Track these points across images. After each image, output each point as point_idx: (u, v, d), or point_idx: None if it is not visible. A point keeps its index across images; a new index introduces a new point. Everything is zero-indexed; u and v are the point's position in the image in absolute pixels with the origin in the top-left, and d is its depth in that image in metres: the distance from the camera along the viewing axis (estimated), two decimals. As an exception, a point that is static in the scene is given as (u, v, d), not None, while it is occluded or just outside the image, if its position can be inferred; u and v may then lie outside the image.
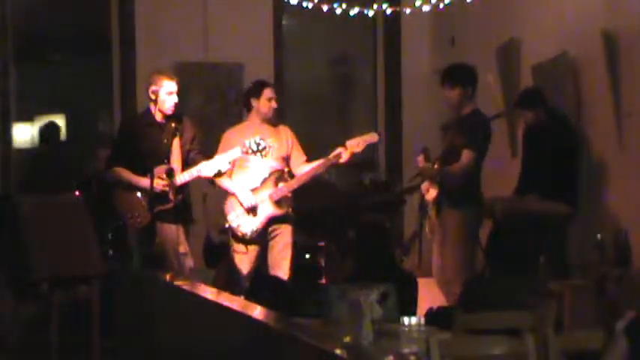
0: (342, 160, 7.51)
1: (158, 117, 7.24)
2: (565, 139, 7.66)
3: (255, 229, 7.48)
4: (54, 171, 9.34)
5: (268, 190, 7.51)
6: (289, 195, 7.58)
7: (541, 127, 7.72)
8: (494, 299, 4.52)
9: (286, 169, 7.61)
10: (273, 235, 7.55)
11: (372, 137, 7.59)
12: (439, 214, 7.28)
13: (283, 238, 7.55)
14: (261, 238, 7.52)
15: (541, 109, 7.66)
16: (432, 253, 8.12)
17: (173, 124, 7.22)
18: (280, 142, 7.57)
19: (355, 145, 7.51)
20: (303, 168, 7.61)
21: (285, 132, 7.69)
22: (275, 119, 7.71)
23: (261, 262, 7.58)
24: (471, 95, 7.38)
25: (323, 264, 8.57)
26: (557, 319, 4.37)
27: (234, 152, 7.20)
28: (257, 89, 7.63)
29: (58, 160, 9.54)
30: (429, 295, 6.53)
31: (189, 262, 7.32)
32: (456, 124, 7.42)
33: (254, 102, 7.59)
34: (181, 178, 7.16)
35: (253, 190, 7.50)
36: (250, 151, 7.16)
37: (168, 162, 7.14)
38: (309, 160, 7.67)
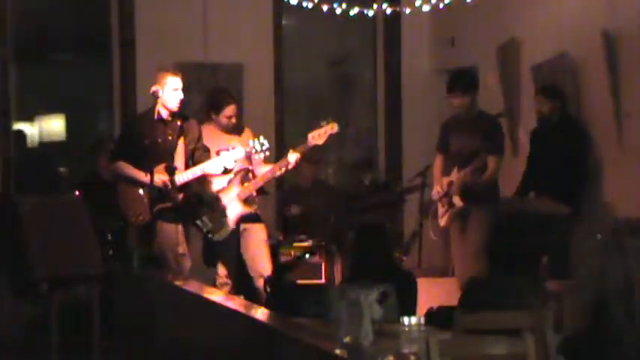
0: (290, 167, 7.49)
1: (164, 114, 7.24)
2: (577, 141, 7.70)
3: (227, 229, 7.50)
4: (53, 171, 9.35)
5: (235, 190, 7.52)
6: (255, 194, 7.60)
7: (553, 125, 7.77)
8: (494, 299, 4.51)
9: (251, 168, 7.62)
10: (245, 234, 7.55)
11: (332, 128, 7.58)
12: (462, 219, 7.37)
13: (257, 237, 7.55)
14: (233, 237, 7.53)
15: (559, 104, 7.76)
16: (431, 254, 8.14)
17: (179, 122, 7.24)
18: (244, 144, 7.51)
19: (317, 137, 7.51)
20: (262, 169, 7.63)
21: (247, 134, 7.67)
22: (238, 124, 7.69)
23: (240, 261, 7.60)
24: (477, 97, 7.57)
25: (323, 264, 8.58)
26: (557, 319, 4.36)
27: (238, 152, 7.22)
28: (217, 106, 7.58)
29: (57, 161, 9.55)
30: (429, 295, 6.52)
31: (187, 263, 7.32)
32: (466, 127, 7.49)
33: (213, 115, 7.57)
34: (183, 176, 7.16)
35: (220, 191, 7.50)
36: (254, 150, 7.19)
37: (172, 160, 7.16)
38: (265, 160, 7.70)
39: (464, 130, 7.55)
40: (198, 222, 7.52)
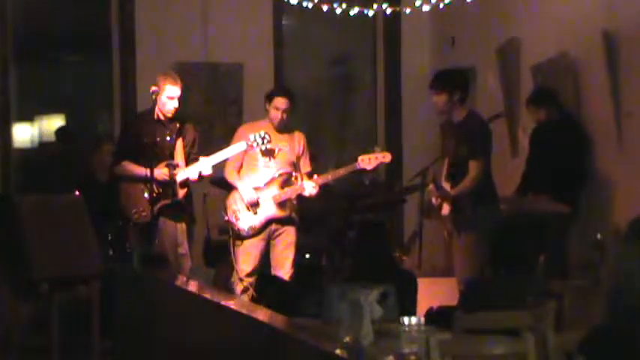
0: (306, 194, 7.50)
1: (162, 116, 7.27)
2: (576, 140, 7.68)
3: (252, 225, 7.49)
4: (53, 171, 9.34)
5: (273, 192, 7.52)
6: (293, 199, 7.60)
7: (551, 126, 7.74)
8: (494, 299, 4.52)
9: (294, 174, 7.62)
10: (276, 234, 7.56)
11: (384, 157, 7.61)
12: (456, 223, 7.27)
13: (286, 238, 7.56)
14: (260, 236, 7.52)
15: (553, 108, 7.73)
16: (431, 254, 8.12)
17: (178, 124, 7.27)
18: (292, 147, 7.57)
19: (367, 160, 7.54)
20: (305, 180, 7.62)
21: (300, 139, 7.68)
22: (290, 125, 7.69)
23: (264, 261, 7.59)
24: (461, 100, 7.31)
25: (323, 264, 8.58)
26: (557, 319, 4.37)
27: (240, 146, 7.25)
28: (270, 95, 7.60)
29: (58, 160, 9.54)
30: (429, 295, 6.53)
31: (187, 263, 7.32)
32: (454, 132, 7.38)
33: (267, 106, 7.58)
34: (184, 173, 7.18)
35: (258, 189, 7.51)
36: (255, 144, 7.21)
37: (172, 159, 7.19)
38: (312, 171, 7.68)
39: (451, 134, 7.46)
40: (229, 213, 7.52)
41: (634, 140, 7.33)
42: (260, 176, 7.55)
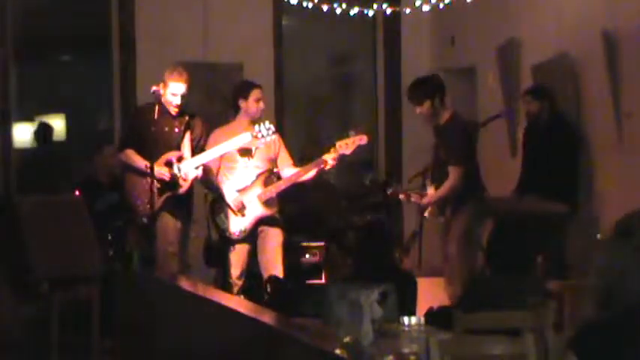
0: (327, 167, 7.49)
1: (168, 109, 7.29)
2: (565, 139, 7.69)
3: (243, 229, 7.45)
4: (54, 171, 9.34)
5: (257, 191, 7.48)
6: (274, 196, 7.58)
7: (542, 124, 7.77)
8: (494, 299, 4.52)
9: (275, 170, 7.60)
10: (261, 235, 7.51)
11: (361, 139, 7.58)
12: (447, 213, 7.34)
13: (274, 240, 7.50)
14: (250, 237, 7.49)
15: (547, 104, 7.75)
16: (431, 254, 8.12)
17: (187, 117, 7.26)
18: (267, 144, 7.51)
19: (344, 146, 7.52)
20: (290, 171, 7.58)
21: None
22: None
23: (253, 263, 7.56)
24: (443, 102, 7.39)
25: (323, 264, 8.58)
26: (557, 319, 4.37)
27: (244, 137, 7.23)
28: (245, 90, 7.55)
29: (58, 161, 9.54)
30: (429, 295, 6.53)
31: (174, 264, 7.26)
32: (438, 135, 7.46)
33: (242, 103, 7.51)
34: (189, 162, 7.18)
35: (241, 191, 7.47)
36: (260, 135, 7.20)
37: (179, 149, 7.21)
38: (295, 164, 7.67)
39: (436, 139, 7.53)
40: (217, 219, 7.49)
41: (634, 140, 7.33)
42: (240, 177, 7.49)
